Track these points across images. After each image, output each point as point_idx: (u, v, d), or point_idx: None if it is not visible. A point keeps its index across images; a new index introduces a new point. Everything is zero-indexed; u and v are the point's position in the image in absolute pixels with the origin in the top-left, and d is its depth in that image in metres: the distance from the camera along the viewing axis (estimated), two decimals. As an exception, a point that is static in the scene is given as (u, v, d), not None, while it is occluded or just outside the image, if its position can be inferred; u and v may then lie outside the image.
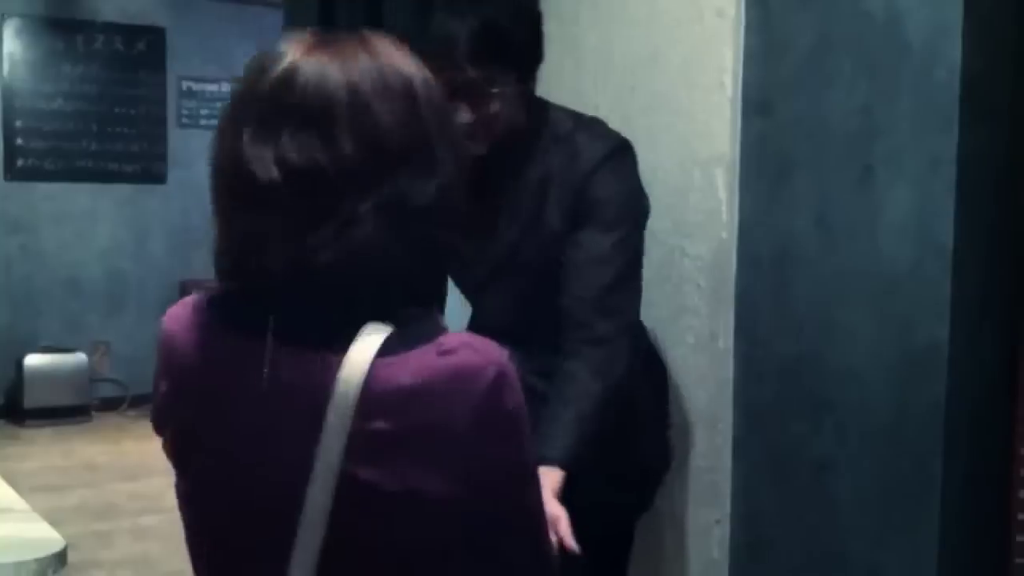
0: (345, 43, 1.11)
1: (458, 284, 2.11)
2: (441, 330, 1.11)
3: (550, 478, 1.71)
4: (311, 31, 1.13)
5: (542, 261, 1.94)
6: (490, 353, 1.09)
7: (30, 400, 6.67)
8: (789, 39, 2.14)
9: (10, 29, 6.96)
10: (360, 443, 1.05)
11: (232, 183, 1.09)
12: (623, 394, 1.93)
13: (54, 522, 1.92)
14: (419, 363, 1.06)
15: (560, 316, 1.90)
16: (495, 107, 1.86)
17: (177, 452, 1.18)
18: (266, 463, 1.10)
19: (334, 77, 1.07)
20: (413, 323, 1.10)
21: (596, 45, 2.50)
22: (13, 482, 2.20)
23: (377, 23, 3.32)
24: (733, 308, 2.22)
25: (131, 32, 7.30)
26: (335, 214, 1.05)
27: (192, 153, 7.39)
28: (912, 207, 1.92)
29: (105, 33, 7.22)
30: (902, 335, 1.94)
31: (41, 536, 1.84)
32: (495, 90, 1.85)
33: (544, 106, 2.00)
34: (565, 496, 1.80)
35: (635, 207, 1.98)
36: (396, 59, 1.11)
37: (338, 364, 1.05)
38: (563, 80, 2.41)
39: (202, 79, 7.51)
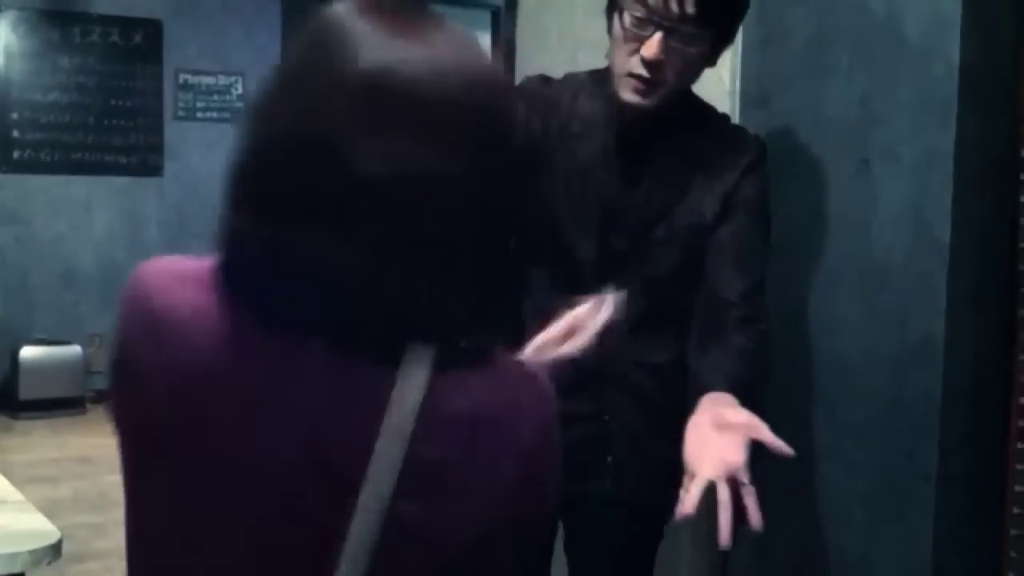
0: (435, 29, 0.98)
1: (572, 252, 1.90)
2: (492, 350, 1.02)
3: (724, 398, 1.61)
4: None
5: (680, 246, 1.85)
6: (546, 383, 1.03)
7: (25, 392, 6.65)
8: (787, 32, 2.14)
9: (7, 21, 6.94)
10: (412, 473, 0.94)
11: (315, 173, 0.93)
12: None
13: (48, 513, 1.92)
14: (479, 386, 0.98)
15: (711, 303, 1.82)
16: (687, 53, 1.76)
17: (144, 466, 1.02)
18: (295, 490, 0.96)
19: (446, 76, 0.95)
20: (470, 341, 1.01)
21: (595, 38, 2.49)
22: (7, 474, 2.20)
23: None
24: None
25: (128, 24, 7.27)
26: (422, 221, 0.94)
27: (189, 146, 7.37)
28: (908, 199, 1.92)
29: (102, 25, 7.19)
30: (897, 327, 1.94)
31: (36, 527, 1.84)
32: (696, 37, 1.75)
33: (691, 92, 1.92)
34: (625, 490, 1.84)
35: (770, 207, 1.93)
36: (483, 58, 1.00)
37: (390, 382, 0.94)
38: (560, 72, 2.40)
39: (199, 72, 7.48)
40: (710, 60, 1.83)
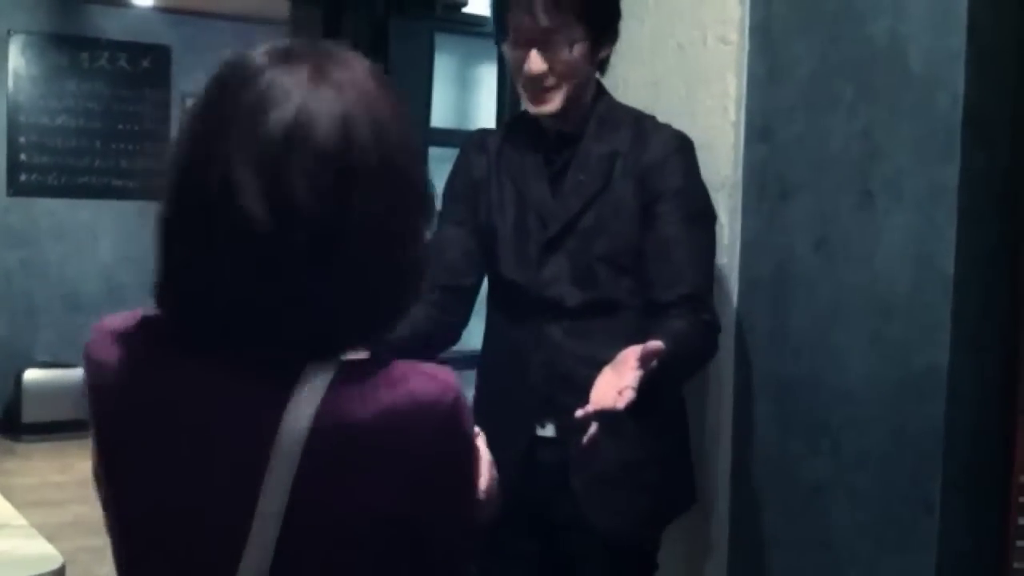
0: (334, 69, 1.10)
1: (513, 259, 2.05)
2: (388, 359, 1.08)
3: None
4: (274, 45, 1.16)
5: (609, 232, 1.97)
6: (443, 377, 1.07)
7: (28, 415, 6.66)
8: (791, 65, 2.15)
9: (16, 45, 6.99)
10: (308, 480, 1.02)
11: (215, 216, 1.03)
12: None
13: (51, 537, 1.92)
14: (372, 395, 1.03)
15: (652, 307, 1.95)
16: (566, 57, 1.93)
17: (108, 490, 1.13)
18: (207, 502, 1.05)
19: (346, 117, 1.04)
20: (358, 355, 1.08)
21: (599, 68, 2.51)
22: (10, 497, 2.20)
23: (383, 44, 3.34)
24: (733, 330, 2.22)
25: (136, 50, 7.32)
26: (322, 262, 1.02)
27: (195, 170, 7.39)
28: (912, 232, 1.93)
29: (110, 50, 7.24)
30: (900, 358, 1.94)
31: (39, 552, 1.84)
32: (568, 41, 1.92)
33: (607, 93, 2.08)
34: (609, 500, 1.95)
35: (710, 203, 2.05)
36: (382, 93, 1.09)
37: (286, 399, 1.02)
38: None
39: (206, 97, 7.52)
40: (595, 57, 1.99)
